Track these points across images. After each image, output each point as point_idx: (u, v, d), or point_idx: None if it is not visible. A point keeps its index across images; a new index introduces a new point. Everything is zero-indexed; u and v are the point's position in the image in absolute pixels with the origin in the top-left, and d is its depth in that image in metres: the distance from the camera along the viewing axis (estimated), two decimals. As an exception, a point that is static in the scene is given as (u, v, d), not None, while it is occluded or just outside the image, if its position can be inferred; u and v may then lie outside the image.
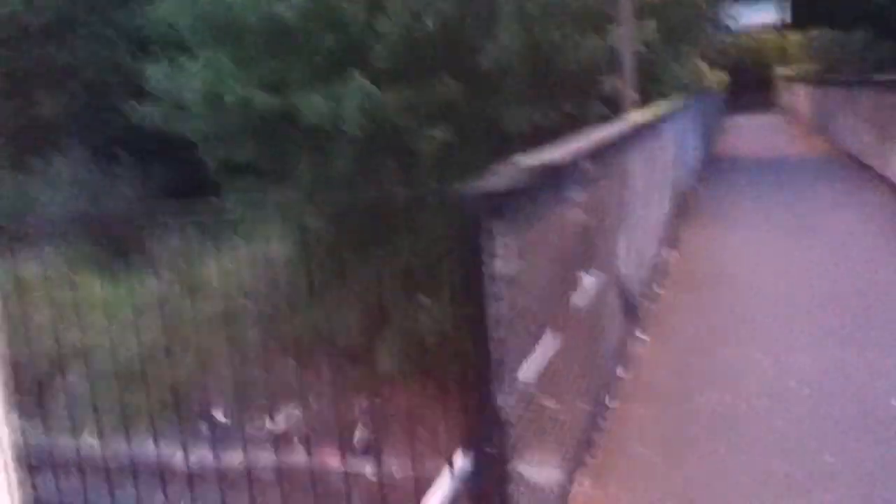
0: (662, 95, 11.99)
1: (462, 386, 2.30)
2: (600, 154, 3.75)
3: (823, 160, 14.07)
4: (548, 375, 3.03)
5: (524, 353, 2.72)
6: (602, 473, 3.27)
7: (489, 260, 2.26)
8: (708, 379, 4.23)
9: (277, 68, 11.46)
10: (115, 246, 18.24)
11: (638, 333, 4.85)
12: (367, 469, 10.97)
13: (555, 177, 2.84)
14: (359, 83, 10.52)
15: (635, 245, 5.16)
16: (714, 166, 13.42)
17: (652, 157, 5.89)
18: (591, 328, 3.74)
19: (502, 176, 2.47)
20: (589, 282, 3.75)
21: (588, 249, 3.69)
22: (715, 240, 7.66)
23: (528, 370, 2.77)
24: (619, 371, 4.26)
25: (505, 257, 2.40)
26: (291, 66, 11.38)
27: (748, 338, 4.83)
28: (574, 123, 11.24)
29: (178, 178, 18.77)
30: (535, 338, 2.85)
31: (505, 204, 2.33)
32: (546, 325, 2.98)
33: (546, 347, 3.00)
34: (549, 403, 3.00)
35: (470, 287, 2.26)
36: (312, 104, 10.73)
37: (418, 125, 11.31)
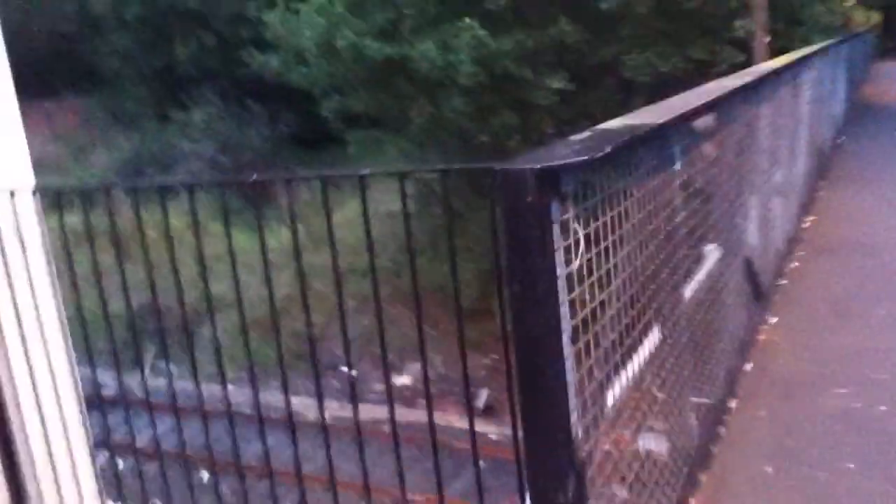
0: (803, 39, 10.67)
1: (528, 413, 1.69)
2: (721, 109, 2.99)
3: None
4: (651, 383, 2.39)
5: (615, 366, 2.09)
6: (717, 496, 2.61)
7: (554, 256, 1.63)
8: (845, 374, 3.43)
9: (390, 15, 10.91)
10: (249, 196, 18.47)
11: (766, 316, 4.06)
12: (491, 430, 10.56)
13: (653, 141, 2.15)
14: (470, 29, 9.83)
15: (766, 213, 4.34)
16: (860, 118, 11.90)
17: (787, 110, 4.97)
18: (709, 318, 3.04)
19: (574, 144, 1.81)
20: (707, 262, 3.04)
21: (705, 224, 2.97)
22: (858, 202, 6.59)
23: (623, 385, 2.14)
24: (743, 364, 3.52)
25: (578, 249, 1.76)
26: (404, 12, 10.79)
27: (894, 322, 3.95)
28: (702, 71, 10.18)
29: (305, 127, 18.71)
30: (632, 344, 2.21)
31: (573, 181, 1.67)
32: (648, 322, 2.33)
33: (648, 350, 2.35)
34: (651, 427, 2.36)
35: (533, 291, 1.64)
36: (424, 51, 10.14)
37: (533, 73, 10.54)
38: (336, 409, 12.40)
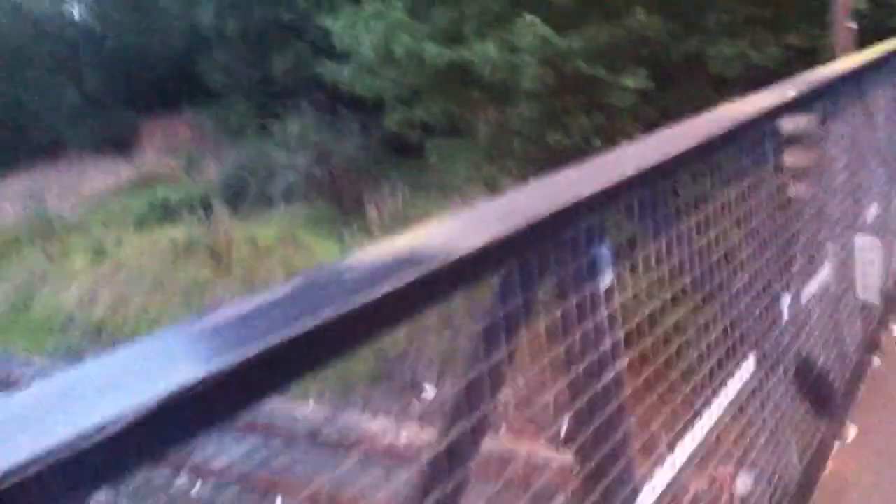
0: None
1: None
2: (716, 158, 1.76)
3: None
4: None
5: None
6: None
7: None
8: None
9: (451, 15, 9.77)
10: (343, 205, 17.90)
11: (842, 427, 2.72)
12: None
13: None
14: (532, 26, 8.57)
15: (843, 268, 2.99)
16: None
17: (878, 122, 3.52)
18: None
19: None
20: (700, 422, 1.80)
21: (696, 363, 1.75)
22: None
23: None
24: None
25: None
26: (464, 13, 9.63)
27: None
28: (806, 60, 8.51)
29: (395, 135, 17.90)
30: None
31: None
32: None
33: None
34: None
35: None
36: (483, 54, 8.96)
37: (609, 71, 9.16)
38: (414, 433, 11.41)
